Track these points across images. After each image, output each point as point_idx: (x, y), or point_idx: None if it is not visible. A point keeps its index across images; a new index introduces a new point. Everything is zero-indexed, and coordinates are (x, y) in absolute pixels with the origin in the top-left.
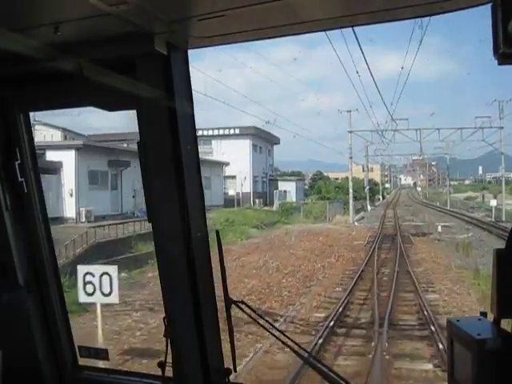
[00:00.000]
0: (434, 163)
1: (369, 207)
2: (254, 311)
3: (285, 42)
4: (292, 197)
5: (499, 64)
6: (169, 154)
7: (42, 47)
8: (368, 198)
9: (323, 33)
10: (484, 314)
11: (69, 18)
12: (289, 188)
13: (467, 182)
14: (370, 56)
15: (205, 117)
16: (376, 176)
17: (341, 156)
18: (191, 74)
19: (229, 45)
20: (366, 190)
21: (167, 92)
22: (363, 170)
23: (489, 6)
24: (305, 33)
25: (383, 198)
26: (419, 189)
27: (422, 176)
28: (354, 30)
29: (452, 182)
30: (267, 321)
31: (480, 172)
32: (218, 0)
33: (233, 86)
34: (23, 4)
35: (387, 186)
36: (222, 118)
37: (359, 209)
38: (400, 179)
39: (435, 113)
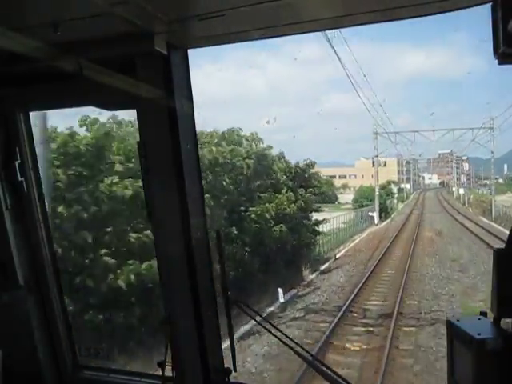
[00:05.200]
0: (464, 158)
1: None
2: (255, 311)
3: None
4: None
5: (499, 64)
6: (169, 154)
7: (41, 47)
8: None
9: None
10: (484, 314)
11: (68, 18)
12: None
13: (501, 180)
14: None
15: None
16: (391, 173)
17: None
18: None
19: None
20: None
21: (167, 92)
22: (373, 165)
23: (489, 5)
24: (305, 32)
25: (382, 214)
26: (461, 191)
27: (466, 166)
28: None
29: (486, 181)
30: (267, 321)
31: (505, 171)
32: (218, 0)
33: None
34: (23, 3)
35: (403, 186)
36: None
37: None
38: (423, 178)
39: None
